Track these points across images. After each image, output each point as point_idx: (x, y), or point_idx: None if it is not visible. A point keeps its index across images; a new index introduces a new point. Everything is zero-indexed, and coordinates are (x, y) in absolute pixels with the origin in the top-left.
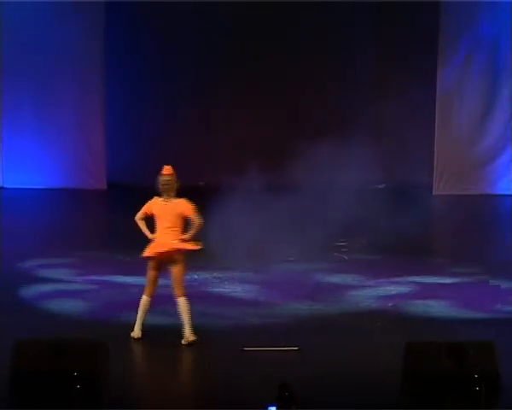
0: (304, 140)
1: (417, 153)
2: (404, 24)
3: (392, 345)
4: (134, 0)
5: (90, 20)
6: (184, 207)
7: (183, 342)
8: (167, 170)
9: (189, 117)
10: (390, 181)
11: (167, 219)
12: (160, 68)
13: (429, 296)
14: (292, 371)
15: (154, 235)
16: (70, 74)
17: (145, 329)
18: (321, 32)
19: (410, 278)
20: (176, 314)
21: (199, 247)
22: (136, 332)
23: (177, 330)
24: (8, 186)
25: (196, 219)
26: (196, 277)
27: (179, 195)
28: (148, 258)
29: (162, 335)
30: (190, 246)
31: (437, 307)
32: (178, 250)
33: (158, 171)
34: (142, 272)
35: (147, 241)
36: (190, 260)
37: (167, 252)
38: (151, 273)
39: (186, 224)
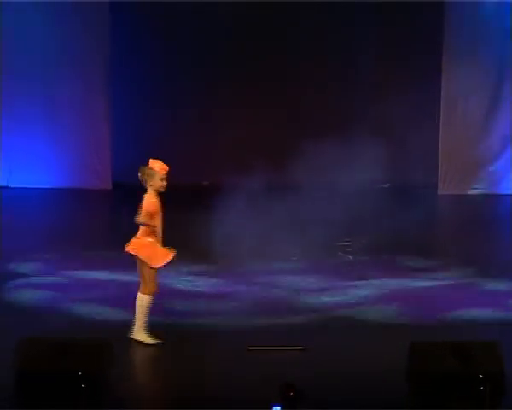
0: (306, 140)
1: (422, 152)
2: (408, 23)
3: (397, 345)
4: (139, 0)
5: (95, 21)
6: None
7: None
8: (164, 165)
9: (192, 117)
10: (394, 181)
11: (160, 221)
12: (165, 69)
13: (433, 296)
14: (296, 371)
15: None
16: (75, 74)
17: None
18: (322, 32)
19: (414, 278)
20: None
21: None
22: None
23: (180, 330)
24: (13, 186)
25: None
26: (200, 276)
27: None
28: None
29: (165, 334)
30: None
31: (440, 307)
32: None
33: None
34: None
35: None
36: (194, 259)
37: None
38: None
39: None
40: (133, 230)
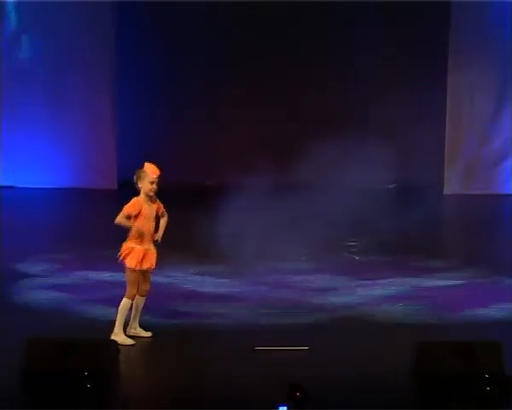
0: (311, 140)
1: (428, 152)
2: (414, 23)
3: (403, 345)
4: (145, 0)
5: (100, 21)
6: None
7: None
8: (157, 169)
9: (197, 117)
10: (400, 181)
11: (151, 224)
12: (169, 69)
13: (439, 296)
14: (303, 371)
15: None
16: (81, 74)
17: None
18: (324, 32)
19: (421, 278)
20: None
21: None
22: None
23: (186, 330)
24: (19, 186)
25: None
26: (207, 276)
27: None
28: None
29: (170, 334)
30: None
31: (446, 307)
32: None
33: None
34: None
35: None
36: (199, 259)
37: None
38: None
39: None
40: None
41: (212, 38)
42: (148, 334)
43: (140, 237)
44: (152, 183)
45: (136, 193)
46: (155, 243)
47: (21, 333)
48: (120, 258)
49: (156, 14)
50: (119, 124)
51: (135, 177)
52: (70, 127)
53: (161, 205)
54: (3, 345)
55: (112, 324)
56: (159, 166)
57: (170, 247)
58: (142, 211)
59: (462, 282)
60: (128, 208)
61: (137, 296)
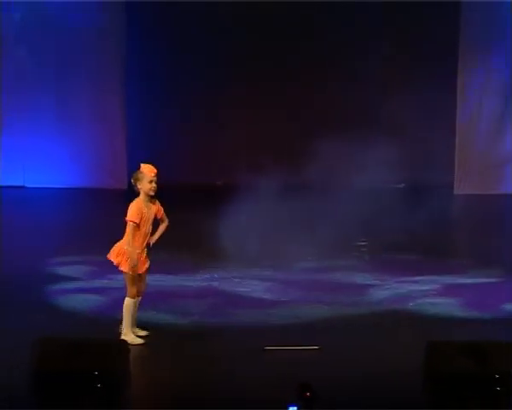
0: (320, 140)
1: (438, 152)
2: (425, 22)
3: (413, 345)
4: (153, 1)
5: (111, 22)
6: (158, 208)
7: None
8: (153, 168)
9: (207, 116)
10: (410, 181)
11: (149, 226)
12: (179, 69)
13: (450, 296)
14: (313, 371)
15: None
16: (90, 75)
17: (160, 328)
18: (335, 32)
19: (430, 278)
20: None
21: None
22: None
23: (196, 329)
24: (29, 185)
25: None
26: (216, 275)
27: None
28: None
29: (181, 334)
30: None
31: (457, 307)
32: None
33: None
34: (162, 271)
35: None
36: (209, 259)
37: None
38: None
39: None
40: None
41: (221, 38)
42: (144, 332)
43: (136, 240)
44: (151, 181)
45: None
46: (148, 245)
47: (30, 333)
48: (116, 264)
49: (164, 15)
50: (129, 124)
51: (132, 180)
52: (80, 127)
53: (161, 208)
54: (15, 345)
55: (118, 323)
56: (155, 166)
57: (179, 246)
58: (142, 215)
59: (473, 281)
60: (134, 218)
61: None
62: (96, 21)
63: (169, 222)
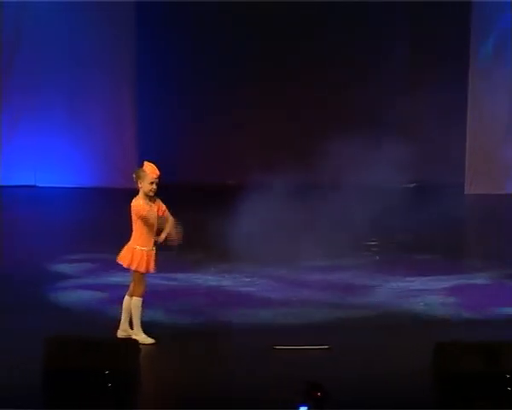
0: (332, 139)
1: (449, 152)
2: (435, 22)
3: (423, 345)
4: (164, 0)
5: (122, 20)
6: (159, 206)
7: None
8: (156, 169)
9: (218, 116)
10: (421, 180)
11: (154, 224)
12: (190, 68)
13: (459, 297)
14: (322, 371)
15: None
16: (101, 74)
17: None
18: (349, 32)
19: (440, 278)
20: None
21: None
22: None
23: (207, 329)
24: (40, 185)
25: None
26: (226, 275)
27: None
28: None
29: (192, 333)
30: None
31: (467, 308)
32: None
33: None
34: (172, 270)
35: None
36: (219, 259)
37: None
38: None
39: None
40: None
41: (232, 38)
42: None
43: (143, 238)
44: (152, 183)
45: (159, 192)
46: (155, 244)
47: (42, 332)
48: (123, 264)
49: (175, 14)
50: (140, 124)
51: (134, 176)
52: (91, 127)
53: (163, 206)
54: (25, 345)
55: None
56: (159, 166)
57: (190, 246)
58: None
59: (486, 281)
60: (141, 213)
61: (127, 298)
62: (107, 21)
63: (175, 220)
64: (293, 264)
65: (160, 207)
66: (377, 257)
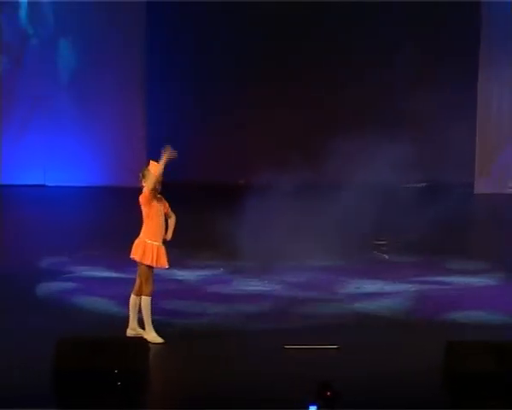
0: (341, 139)
1: (459, 152)
2: (445, 22)
3: (432, 344)
4: (174, 1)
5: (132, 21)
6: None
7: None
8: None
9: (227, 116)
10: (430, 180)
11: (161, 218)
12: (200, 68)
13: (469, 297)
14: (332, 370)
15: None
16: (111, 74)
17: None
18: (357, 31)
19: (449, 278)
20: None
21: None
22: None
23: (215, 329)
24: (49, 184)
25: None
26: (235, 274)
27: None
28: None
29: (200, 333)
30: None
31: (477, 308)
32: None
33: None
34: (182, 270)
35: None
36: (229, 259)
37: None
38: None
39: None
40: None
41: (241, 37)
42: (142, 331)
43: (153, 232)
44: (156, 182)
45: (168, 190)
46: (165, 242)
47: (52, 331)
48: (135, 258)
49: (186, 15)
50: (149, 123)
51: (140, 175)
52: (101, 126)
53: (167, 204)
54: (35, 344)
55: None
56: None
57: (199, 245)
58: (153, 205)
59: (498, 281)
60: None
61: (133, 296)
62: (117, 21)
63: (177, 218)
64: (302, 263)
65: (164, 204)
66: (386, 256)
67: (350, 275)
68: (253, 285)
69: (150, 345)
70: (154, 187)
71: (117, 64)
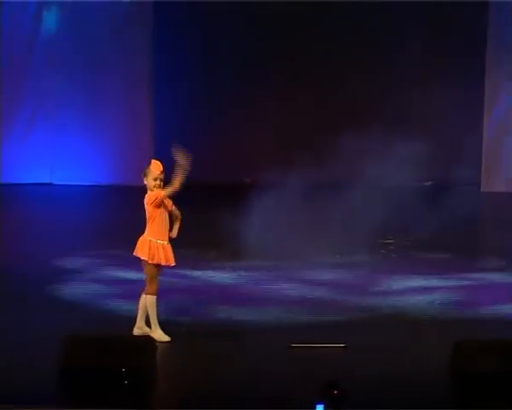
0: (347, 137)
1: (465, 150)
2: (452, 20)
3: (439, 344)
4: (182, 0)
5: (139, 20)
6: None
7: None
8: (159, 165)
9: (234, 114)
10: (437, 178)
11: (166, 216)
12: (206, 67)
13: (476, 295)
14: (339, 369)
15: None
16: (118, 73)
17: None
18: (364, 30)
19: (456, 276)
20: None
21: None
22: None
23: (222, 328)
24: (56, 183)
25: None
26: (243, 273)
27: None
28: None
29: (206, 332)
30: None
31: (485, 306)
32: None
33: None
34: (189, 269)
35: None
36: (236, 257)
37: None
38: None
39: None
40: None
41: (248, 36)
42: (148, 330)
43: (157, 231)
44: (155, 179)
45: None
46: (170, 239)
47: (59, 330)
48: (141, 256)
49: (193, 14)
50: (156, 121)
51: (142, 174)
52: (107, 125)
53: (170, 202)
54: (40, 343)
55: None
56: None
57: (206, 244)
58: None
59: (500, 280)
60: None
61: (143, 295)
62: (124, 20)
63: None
64: (308, 262)
65: (168, 202)
66: (393, 255)
67: (356, 273)
68: (259, 283)
69: (157, 344)
70: (154, 185)
71: (124, 64)
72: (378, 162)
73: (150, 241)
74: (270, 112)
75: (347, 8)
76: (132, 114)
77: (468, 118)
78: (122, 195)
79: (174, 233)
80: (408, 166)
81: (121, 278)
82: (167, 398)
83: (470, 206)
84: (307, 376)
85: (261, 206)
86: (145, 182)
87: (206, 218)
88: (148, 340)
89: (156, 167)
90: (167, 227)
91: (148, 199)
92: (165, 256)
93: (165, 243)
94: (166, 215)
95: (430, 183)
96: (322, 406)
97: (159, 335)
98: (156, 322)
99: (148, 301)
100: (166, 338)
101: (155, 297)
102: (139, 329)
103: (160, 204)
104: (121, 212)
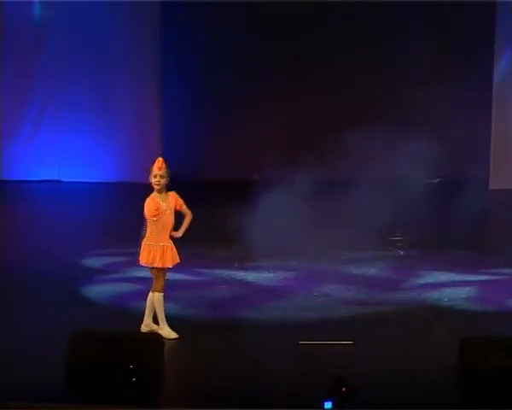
0: (356, 135)
1: (473, 147)
2: (461, 21)
3: (447, 341)
4: (190, 0)
5: (147, 20)
6: (176, 200)
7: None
8: (158, 161)
9: (241, 112)
10: (445, 176)
11: (167, 219)
12: (214, 66)
13: (484, 292)
14: (347, 366)
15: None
16: (127, 71)
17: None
18: (370, 28)
19: (464, 274)
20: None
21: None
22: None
23: (231, 324)
24: (64, 180)
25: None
26: (251, 270)
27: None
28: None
29: (215, 328)
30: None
31: (492, 303)
32: None
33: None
34: (197, 266)
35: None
36: (243, 253)
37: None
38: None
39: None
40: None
41: (255, 36)
42: (156, 327)
43: (155, 234)
44: (155, 176)
45: (182, 186)
46: (173, 239)
47: (66, 327)
48: (141, 263)
49: (201, 14)
50: (165, 119)
51: (148, 172)
52: (116, 122)
53: (180, 200)
54: (51, 339)
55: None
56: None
57: (214, 241)
58: (158, 207)
59: (507, 277)
60: (150, 214)
61: (150, 293)
62: (132, 20)
63: (193, 214)
64: (317, 259)
65: (176, 201)
66: (401, 252)
67: (365, 270)
68: (268, 281)
69: (165, 340)
70: (154, 182)
71: (132, 63)
72: (386, 160)
73: (149, 245)
74: (278, 110)
75: (351, 8)
76: (140, 111)
77: (477, 116)
78: (130, 192)
79: (180, 233)
80: (416, 164)
81: (129, 275)
82: (175, 394)
83: (478, 203)
84: (315, 373)
85: (269, 202)
86: (150, 181)
87: (213, 214)
88: (155, 337)
89: (155, 165)
90: (169, 228)
91: (145, 211)
92: (163, 259)
93: (167, 244)
94: (167, 217)
95: (438, 180)
96: (330, 403)
97: (166, 332)
98: (164, 319)
99: (155, 299)
100: (174, 335)
101: (162, 295)
102: (146, 326)
103: (156, 214)
104: (129, 209)
